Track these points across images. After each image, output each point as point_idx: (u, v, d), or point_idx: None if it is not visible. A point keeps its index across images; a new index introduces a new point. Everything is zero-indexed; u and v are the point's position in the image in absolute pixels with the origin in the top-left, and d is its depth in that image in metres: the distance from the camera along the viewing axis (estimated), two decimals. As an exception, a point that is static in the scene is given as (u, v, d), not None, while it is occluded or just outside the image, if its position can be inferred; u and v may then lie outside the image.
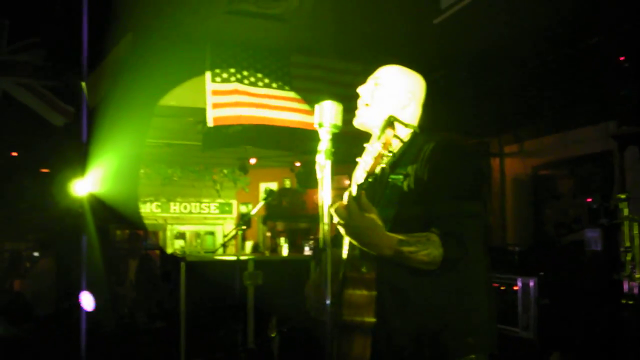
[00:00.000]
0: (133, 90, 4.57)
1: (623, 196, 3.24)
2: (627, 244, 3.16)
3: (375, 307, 1.84)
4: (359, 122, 2.08)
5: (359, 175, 1.66)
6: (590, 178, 5.22)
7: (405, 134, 1.97)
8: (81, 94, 4.63)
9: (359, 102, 2.11)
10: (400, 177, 1.90)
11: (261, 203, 4.79)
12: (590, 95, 4.87)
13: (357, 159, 1.72)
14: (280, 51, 5.17)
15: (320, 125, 1.83)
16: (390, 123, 1.59)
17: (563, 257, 4.80)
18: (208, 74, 4.80)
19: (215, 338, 4.92)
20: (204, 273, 5.05)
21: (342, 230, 1.72)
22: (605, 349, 3.53)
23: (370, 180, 1.64)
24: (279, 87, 5.12)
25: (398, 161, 1.92)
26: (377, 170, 1.62)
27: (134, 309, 6.16)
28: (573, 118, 5.27)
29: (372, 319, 1.84)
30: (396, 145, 1.60)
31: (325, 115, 1.83)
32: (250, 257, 5.39)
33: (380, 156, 1.59)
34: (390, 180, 1.94)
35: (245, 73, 4.98)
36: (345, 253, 1.98)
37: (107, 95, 4.64)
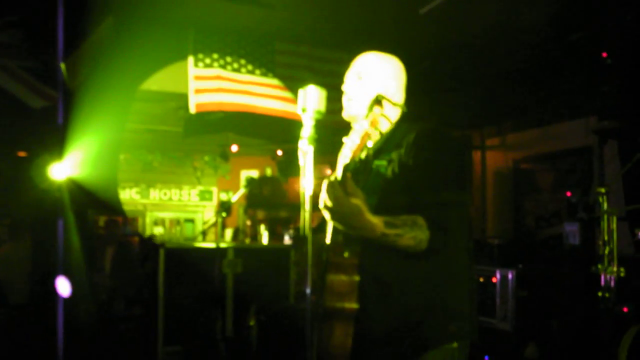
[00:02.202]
0: (114, 73, 4.48)
1: (602, 190, 3.27)
2: (606, 237, 3.19)
3: (357, 294, 1.83)
4: (347, 114, 2.06)
5: (346, 155, 1.64)
6: (570, 172, 5.27)
7: (392, 114, 1.96)
8: (59, 76, 4.53)
9: (344, 98, 2.08)
10: (384, 162, 1.89)
11: (242, 190, 4.76)
12: (572, 91, 4.91)
13: (344, 139, 1.69)
14: (264, 38, 5.12)
15: (304, 110, 1.80)
16: (377, 101, 1.58)
17: (542, 250, 4.86)
18: (191, 59, 4.74)
19: (194, 326, 4.89)
20: (183, 260, 5.01)
21: (327, 214, 1.70)
22: (581, 341, 3.57)
23: (356, 160, 1.62)
24: (263, 74, 5.07)
25: (382, 147, 1.91)
26: (363, 151, 1.60)
27: (112, 296, 6.09)
28: (554, 113, 5.31)
29: (354, 305, 1.83)
30: (384, 126, 1.58)
31: (309, 101, 1.80)
32: (230, 245, 5.36)
33: (368, 135, 1.58)
34: (374, 166, 1.93)
35: (228, 59, 4.92)
36: (328, 238, 1.96)
37: (87, 78, 4.55)
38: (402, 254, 1.78)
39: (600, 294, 3.15)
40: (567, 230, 4.35)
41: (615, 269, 3.11)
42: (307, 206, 1.78)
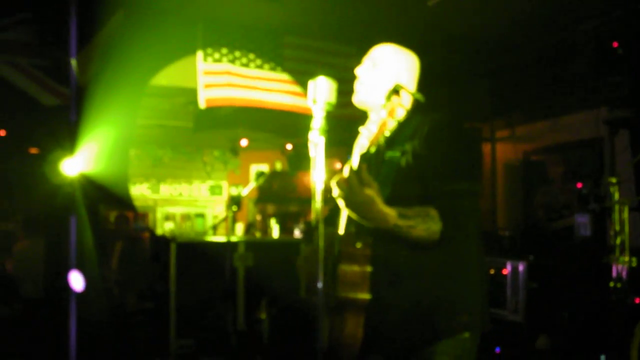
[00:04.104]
0: (124, 68, 4.51)
1: (614, 180, 3.25)
2: (617, 227, 3.18)
3: (369, 284, 1.84)
4: (358, 99, 2.08)
5: (362, 145, 1.65)
6: (581, 164, 5.24)
7: (409, 104, 1.97)
8: (70, 73, 4.56)
9: (356, 82, 2.11)
10: (398, 154, 1.90)
11: (252, 184, 4.77)
12: (582, 81, 4.88)
13: (360, 128, 1.70)
14: (273, 32, 5.12)
15: (314, 101, 1.81)
16: (396, 91, 1.58)
17: (553, 242, 4.84)
18: (200, 54, 4.75)
19: (205, 319, 4.92)
20: (194, 254, 5.04)
21: (341, 203, 1.71)
22: (592, 332, 3.57)
23: (373, 150, 1.63)
24: (271, 69, 5.08)
25: (395, 138, 1.92)
26: (380, 140, 1.61)
27: (124, 290, 6.14)
28: (565, 104, 5.28)
29: (366, 296, 1.84)
30: (400, 115, 1.59)
31: (319, 92, 1.81)
32: (241, 238, 5.39)
33: (385, 124, 1.59)
34: (387, 157, 1.94)
35: (237, 54, 4.93)
36: (341, 229, 1.98)
37: (97, 74, 4.58)
38: (415, 243, 1.79)
39: (612, 284, 3.14)
40: (578, 221, 4.34)
41: (627, 259, 3.10)
42: (319, 198, 1.79)
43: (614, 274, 3.14)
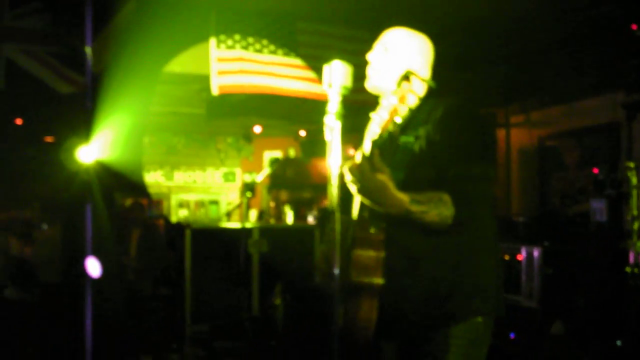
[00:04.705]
0: (137, 56, 4.51)
1: (632, 165, 3.22)
2: (635, 212, 3.15)
3: (383, 269, 1.85)
4: (371, 84, 2.07)
5: (373, 131, 1.64)
6: (596, 149, 5.20)
7: (420, 90, 1.96)
8: (86, 60, 4.59)
9: (369, 68, 2.10)
10: (412, 139, 1.89)
11: (266, 170, 4.78)
12: (598, 65, 4.82)
13: (371, 114, 1.70)
14: (286, 17, 5.10)
15: (330, 85, 1.81)
16: (406, 77, 1.58)
17: (568, 227, 4.81)
18: (213, 40, 4.74)
19: (220, 305, 4.97)
20: (209, 241, 5.08)
21: (353, 189, 1.72)
22: (608, 318, 3.55)
23: (384, 136, 1.63)
24: (285, 54, 5.06)
25: (408, 124, 1.91)
26: (391, 126, 1.61)
27: (139, 277, 6.21)
28: (580, 88, 5.22)
29: (381, 280, 1.85)
30: (411, 101, 1.58)
31: (335, 76, 1.81)
32: (255, 225, 5.41)
33: (396, 111, 1.58)
34: (400, 142, 1.93)
35: (250, 40, 4.91)
36: (354, 214, 1.98)
37: (111, 62, 4.60)
38: (428, 228, 1.79)
39: (629, 270, 3.13)
40: (594, 207, 4.31)
41: (644, 244, 3.08)
42: (335, 182, 1.79)
43: (631, 259, 3.12)
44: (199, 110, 6.92)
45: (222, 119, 7.08)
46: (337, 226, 1.77)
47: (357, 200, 1.97)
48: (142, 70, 4.69)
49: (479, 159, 1.86)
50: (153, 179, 9.12)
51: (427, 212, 1.72)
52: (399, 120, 1.60)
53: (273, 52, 5.03)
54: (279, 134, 9.17)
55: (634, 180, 3.18)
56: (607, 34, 4.43)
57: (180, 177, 9.39)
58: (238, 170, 9.72)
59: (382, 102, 1.64)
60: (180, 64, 5.09)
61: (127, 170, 5.13)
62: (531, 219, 4.66)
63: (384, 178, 1.66)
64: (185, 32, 4.74)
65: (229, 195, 9.63)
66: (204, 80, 5.14)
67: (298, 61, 5.11)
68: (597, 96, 5.08)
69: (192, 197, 9.44)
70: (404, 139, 1.93)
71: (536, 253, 4.13)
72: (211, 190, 9.55)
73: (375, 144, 1.63)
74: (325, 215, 7.84)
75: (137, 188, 6.64)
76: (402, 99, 1.57)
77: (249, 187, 5.07)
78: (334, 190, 1.78)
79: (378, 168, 1.67)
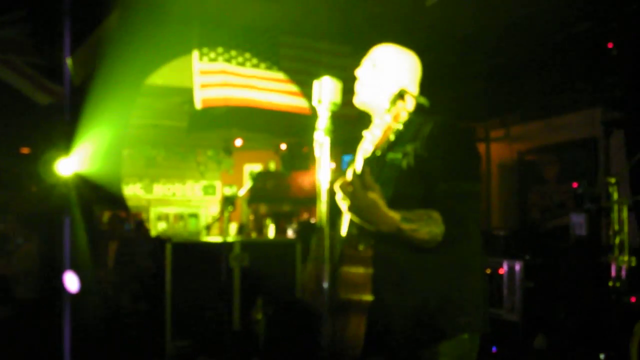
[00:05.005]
0: (119, 68, 4.48)
1: (613, 180, 3.27)
2: (617, 227, 3.20)
3: (372, 285, 1.84)
4: (359, 100, 2.07)
5: (365, 149, 1.64)
6: (575, 164, 5.28)
7: (410, 107, 1.96)
8: (65, 72, 4.53)
9: (357, 83, 2.10)
10: (399, 155, 1.90)
11: (248, 184, 4.76)
12: (577, 82, 4.91)
13: (364, 132, 1.70)
14: (268, 31, 5.11)
15: (319, 101, 1.80)
16: (401, 95, 1.58)
17: (548, 241, 4.86)
18: (195, 53, 4.73)
19: (201, 320, 4.90)
20: (190, 255, 5.02)
21: (344, 207, 1.71)
22: (590, 331, 3.59)
23: (378, 154, 1.62)
24: (267, 68, 5.07)
25: (396, 140, 1.91)
26: (384, 144, 1.60)
27: (118, 291, 6.11)
28: (559, 104, 5.31)
29: (369, 297, 1.84)
30: (403, 119, 1.58)
31: (325, 92, 1.80)
32: (237, 239, 5.37)
33: (390, 129, 1.58)
34: (388, 159, 1.93)
35: (233, 53, 4.91)
36: (343, 231, 1.97)
37: (92, 73, 4.55)
38: (418, 246, 1.79)
39: (611, 284, 3.16)
40: (574, 221, 4.36)
41: (626, 258, 3.12)
42: (324, 198, 1.78)
43: (613, 273, 3.16)
44: (179, 122, 6.88)
45: (204, 131, 7.05)
46: (327, 242, 1.76)
47: (345, 217, 1.96)
48: (124, 82, 4.65)
49: (468, 176, 1.87)
50: (132, 191, 9.02)
51: (418, 230, 1.72)
52: (392, 138, 1.60)
53: (256, 66, 5.03)
54: (259, 147, 9.16)
55: (615, 195, 3.23)
56: (585, 52, 4.52)
57: (160, 189, 9.31)
58: (218, 183, 9.67)
59: (375, 119, 1.64)
60: (163, 76, 5.06)
61: (105, 183, 5.08)
62: (512, 232, 4.71)
63: (375, 196, 1.66)
64: (168, 44, 4.72)
65: (208, 209, 9.56)
66: (186, 92, 5.12)
67: (280, 75, 5.12)
68: (575, 112, 5.17)
69: (171, 210, 9.35)
70: (391, 155, 1.93)
71: (517, 267, 4.16)
72: (191, 203, 9.48)
73: (367, 161, 1.63)
74: (307, 230, 7.83)
75: (116, 201, 6.56)
76: (396, 118, 1.57)
77: (230, 201, 5.05)
78: (322, 206, 1.77)
79: (369, 186, 1.66)
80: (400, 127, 1.58)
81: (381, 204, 1.67)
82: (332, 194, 1.80)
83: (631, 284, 3.14)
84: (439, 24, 4.74)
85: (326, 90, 1.80)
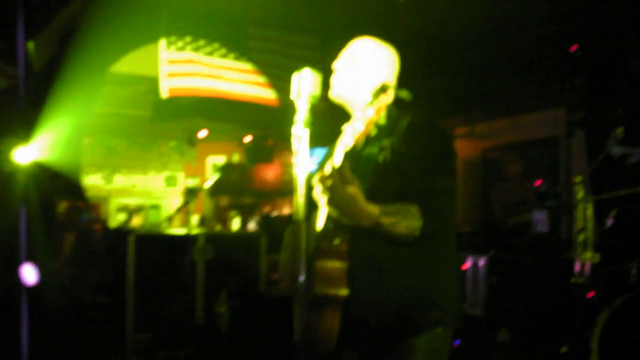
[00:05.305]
0: (83, 54, 4.35)
1: (578, 179, 3.35)
2: (581, 225, 3.28)
3: (347, 279, 1.84)
4: (335, 93, 2.05)
5: (345, 143, 1.62)
6: (538, 162, 5.39)
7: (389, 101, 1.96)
8: (19, 54, 4.37)
9: (334, 76, 2.08)
10: (375, 149, 1.89)
11: (215, 176, 4.70)
12: (541, 82, 5.02)
13: (344, 126, 1.68)
14: (238, 22, 5.05)
15: (299, 94, 1.78)
16: (383, 89, 1.57)
17: (511, 237, 4.97)
18: (163, 42, 4.64)
19: (164, 313, 4.83)
20: (153, 247, 4.93)
21: (323, 201, 1.69)
22: (553, 325, 3.68)
23: (359, 148, 1.61)
24: (236, 59, 5.02)
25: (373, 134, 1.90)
26: (364, 138, 1.59)
27: (77, 284, 5.96)
28: (523, 103, 5.41)
29: (345, 291, 1.83)
30: (385, 113, 1.57)
31: (304, 85, 1.78)
32: (201, 231, 5.30)
33: (372, 123, 1.57)
34: (364, 153, 1.93)
35: (201, 42, 4.84)
36: (318, 225, 1.95)
37: (55, 58, 4.41)
38: (395, 240, 1.79)
39: (574, 280, 3.24)
40: (536, 218, 4.46)
41: (590, 255, 3.21)
42: (301, 191, 1.76)
43: (577, 269, 3.24)
44: (143, 112, 6.74)
45: (168, 121, 6.92)
46: (303, 236, 1.75)
47: (321, 211, 1.95)
48: (88, 69, 4.52)
49: (444, 172, 1.88)
50: (91, 182, 8.80)
51: (397, 224, 1.72)
52: (374, 132, 1.59)
53: (224, 56, 4.97)
54: (223, 139, 9.06)
55: (581, 193, 3.31)
56: (550, 53, 4.62)
57: (121, 180, 9.12)
58: (180, 175, 9.53)
59: (355, 113, 1.63)
60: (128, 64, 4.94)
61: (65, 172, 4.95)
62: (476, 228, 4.78)
63: (355, 190, 1.65)
64: (134, 31, 4.61)
65: (170, 200, 9.41)
66: (151, 82, 5.03)
67: (249, 66, 5.08)
68: (539, 111, 5.28)
69: (132, 201, 9.17)
70: (367, 149, 1.93)
71: (481, 262, 4.23)
72: (152, 194, 9.32)
73: (346, 156, 1.62)
74: (270, 223, 7.79)
75: (75, 191, 6.39)
76: (378, 112, 1.56)
77: (193, 193, 4.98)
78: (300, 200, 1.76)
79: (348, 180, 1.65)
80: (383, 121, 1.57)
81: (360, 198, 1.66)
82: (309, 187, 1.78)
83: (594, 279, 3.23)
84: (407, 20, 4.76)
85: (305, 83, 1.78)
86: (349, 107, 2.06)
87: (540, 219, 4.38)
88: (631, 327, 2.84)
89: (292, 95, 1.79)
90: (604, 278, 3.26)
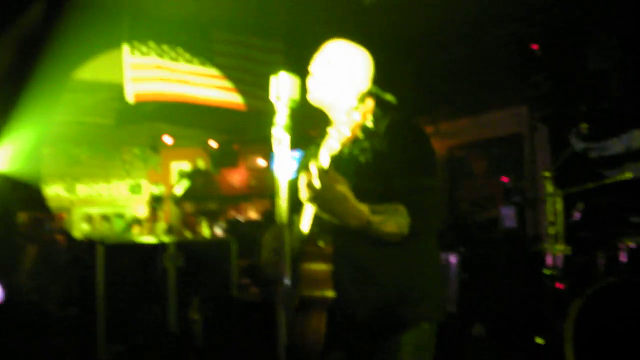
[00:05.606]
0: (43, 62, 4.24)
1: (547, 174, 3.44)
2: (552, 218, 3.36)
3: (332, 282, 1.84)
4: (313, 97, 2.05)
5: (331, 146, 1.63)
6: (503, 159, 5.51)
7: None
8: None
9: (311, 80, 2.08)
10: (356, 150, 1.90)
11: (185, 182, 4.65)
12: (504, 80, 5.13)
13: (328, 129, 1.69)
14: (202, 27, 5.01)
15: (278, 98, 1.78)
16: (370, 94, 1.58)
17: (477, 233, 5.05)
18: (126, 47, 4.56)
19: (136, 323, 4.74)
20: (122, 256, 4.83)
21: (312, 202, 1.69)
22: (526, 317, 3.76)
23: (345, 151, 1.62)
24: (201, 64, 4.97)
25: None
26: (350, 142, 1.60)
27: (43, 298, 5.80)
28: (487, 101, 5.52)
29: (331, 293, 1.84)
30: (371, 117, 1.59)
31: (283, 88, 1.78)
32: (171, 239, 5.23)
33: (358, 127, 1.58)
34: (344, 155, 1.93)
35: (165, 48, 4.77)
36: (303, 228, 1.96)
37: (13, 67, 4.29)
38: (377, 239, 1.80)
39: (547, 272, 3.33)
40: (504, 214, 4.56)
41: (562, 247, 3.29)
42: (283, 196, 1.76)
43: (549, 262, 3.33)
44: (106, 120, 6.61)
45: (133, 124, 6.78)
46: (287, 238, 1.75)
47: (306, 213, 1.95)
48: (48, 76, 4.41)
49: (426, 172, 1.90)
50: (53, 192, 8.58)
51: (386, 221, 1.73)
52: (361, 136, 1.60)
53: (189, 61, 4.92)
54: (187, 145, 8.96)
55: (550, 188, 3.39)
56: (512, 52, 4.73)
57: (84, 189, 8.91)
58: (144, 182, 9.37)
59: (340, 117, 1.63)
60: (91, 70, 4.83)
61: (25, 183, 4.84)
62: (446, 226, 4.85)
63: (345, 189, 1.66)
64: (96, 37, 4.51)
65: (135, 208, 9.24)
66: (115, 88, 4.94)
67: (214, 70, 5.03)
68: (502, 109, 5.39)
69: (96, 211, 8.97)
70: (348, 151, 1.94)
71: (453, 259, 4.29)
72: (117, 202, 9.14)
73: (334, 158, 1.62)
74: (237, 228, 7.74)
75: (36, 202, 6.24)
76: (364, 115, 1.57)
77: (158, 201, 4.91)
78: (282, 203, 1.76)
79: (336, 180, 1.66)
80: (370, 124, 1.58)
81: (351, 196, 1.67)
82: (291, 190, 1.78)
83: (566, 271, 3.32)
84: (371, 22, 4.80)
85: (284, 87, 1.78)
86: (328, 110, 2.07)
87: (507, 214, 4.48)
88: (603, 315, 2.93)
89: (272, 98, 1.78)
90: (575, 269, 3.35)
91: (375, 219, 1.72)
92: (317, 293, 1.84)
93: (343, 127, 1.59)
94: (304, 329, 1.86)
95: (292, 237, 1.98)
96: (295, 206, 1.95)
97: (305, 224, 1.95)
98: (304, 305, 1.85)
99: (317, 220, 1.86)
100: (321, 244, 1.87)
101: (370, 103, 1.57)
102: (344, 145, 1.60)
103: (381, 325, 1.88)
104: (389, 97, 1.85)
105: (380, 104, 2.03)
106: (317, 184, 1.64)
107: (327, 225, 1.84)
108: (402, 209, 1.77)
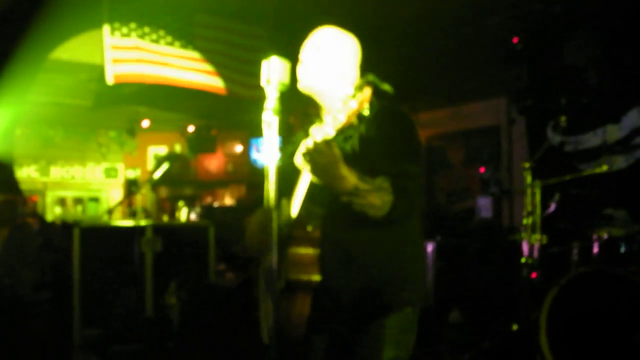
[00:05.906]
0: (20, 40, 4.16)
1: (527, 165, 3.50)
2: (530, 208, 3.43)
3: (319, 265, 1.87)
4: (303, 85, 2.06)
5: (326, 132, 1.64)
6: (480, 150, 5.59)
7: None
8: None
9: (301, 66, 2.08)
10: (340, 138, 1.92)
11: (165, 166, 4.61)
12: (483, 72, 5.18)
13: (324, 116, 1.70)
14: (183, 9, 4.94)
15: (268, 82, 1.78)
16: (367, 82, 1.60)
17: (454, 223, 5.13)
18: (106, 27, 4.47)
19: (112, 307, 4.70)
20: (98, 240, 4.77)
21: (309, 166, 1.71)
22: (502, 305, 3.84)
23: (340, 138, 1.64)
24: (182, 47, 4.91)
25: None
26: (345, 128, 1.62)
27: (15, 282, 5.71)
28: (466, 93, 5.58)
29: (318, 277, 1.86)
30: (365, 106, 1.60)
31: (273, 72, 1.79)
32: (149, 222, 5.18)
33: (354, 114, 1.60)
34: (338, 140, 1.95)
35: (146, 29, 4.70)
36: (292, 213, 1.97)
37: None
38: (364, 223, 1.82)
39: (523, 260, 3.40)
40: (480, 204, 4.63)
41: (539, 237, 3.37)
42: (272, 180, 1.77)
43: (526, 251, 3.40)
44: (83, 101, 6.49)
45: (111, 106, 6.67)
46: (274, 223, 1.76)
47: (295, 199, 1.97)
48: (24, 55, 4.32)
49: (411, 159, 1.93)
50: (26, 174, 8.41)
51: (372, 191, 1.76)
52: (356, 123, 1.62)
53: (170, 44, 4.86)
54: (164, 129, 8.87)
55: (529, 178, 3.46)
56: (492, 44, 4.77)
57: (58, 172, 8.75)
58: (120, 166, 9.25)
59: (334, 105, 1.65)
60: (69, 50, 4.74)
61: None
62: (423, 214, 4.90)
63: (339, 152, 1.68)
64: (75, 16, 4.42)
65: (110, 192, 9.13)
66: (94, 69, 4.86)
67: (195, 53, 4.99)
68: (481, 101, 5.46)
69: (70, 194, 8.83)
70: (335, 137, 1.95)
71: (430, 247, 4.35)
72: (91, 186, 9.01)
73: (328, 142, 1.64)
74: (212, 214, 7.71)
75: (8, 183, 6.14)
76: (361, 104, 1.59)
77: (135, 184, 4.85)
78: (270, 187, 1.76)
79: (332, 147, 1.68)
80: (367, 112, 1.60)
81: (342, 160, 1.69)
82: (279, 174, 1.79)
83: (542, 260, 3.40)
84: (350, 11, 4.79)
85: (275, 70, 1.79)
86: (318, 97, 2.07)
87: (484, 204, 4.55)
88: (576, 304, 3.01)
89: (262, 83, 1.78)
90: (549, 259, 3.44)
91: (363, 186, 1.74)
92: (304, 277, 1.86)
93: (339, 114, 1.61)
94: (289, 312, 1.88)
95: (279, 221, 1.99)
96: (282, 191, 1.96)
97: (294, 208, 1.96)
98: (289, 287, 1.87)
99: (305, 205, 1.88)
100: (309, 228, 1.89)
101: (367, 92, 1.58)
102: (338, 132, 1.62)
103: (366, 309, 1.91)
104: (386, 87, 1.86)
105: (374, 92, 2.06)
106: (313, 148, 1.65)
107: (315, 211, 1.86)
108: (387, 186, 1.79)
